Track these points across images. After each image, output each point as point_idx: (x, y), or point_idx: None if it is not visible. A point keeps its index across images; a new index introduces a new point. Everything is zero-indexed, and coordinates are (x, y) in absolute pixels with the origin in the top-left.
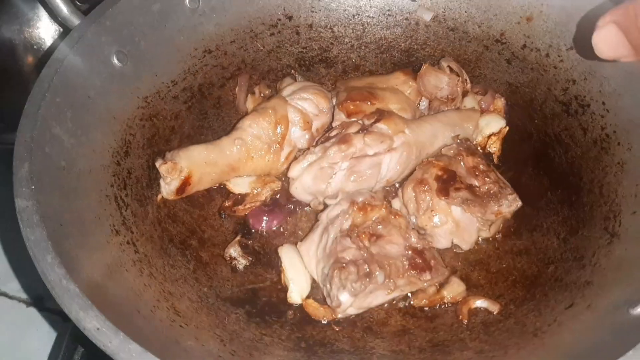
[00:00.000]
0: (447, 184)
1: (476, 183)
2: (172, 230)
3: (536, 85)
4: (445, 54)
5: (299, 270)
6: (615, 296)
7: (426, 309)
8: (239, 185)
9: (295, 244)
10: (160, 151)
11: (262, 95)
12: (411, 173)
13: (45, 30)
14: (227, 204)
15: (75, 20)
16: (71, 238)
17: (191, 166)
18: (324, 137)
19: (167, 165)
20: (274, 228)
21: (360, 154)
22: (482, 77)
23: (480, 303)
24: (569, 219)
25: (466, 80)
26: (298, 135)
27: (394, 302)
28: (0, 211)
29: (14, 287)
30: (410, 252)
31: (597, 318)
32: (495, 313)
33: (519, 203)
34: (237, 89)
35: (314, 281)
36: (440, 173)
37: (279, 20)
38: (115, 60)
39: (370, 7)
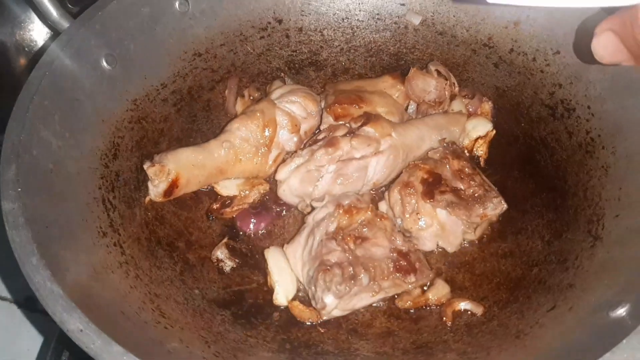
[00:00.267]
0: (433, 187)
1: (461, 186)
2: (159, 233)
3: (523, 89)
4: (433, 57)
5: (285, 273)
6: (596, 299)
7: (411, 310)
8: (226, 188)
9: (282, 246)
10: (149, 154)
11: (251, 98)
12: (398, 176)
13: (37, 33)
14: (214, 206)
15: (65, 23)
16: (57, 240)
17: (179, 169)
18: (311, 140)
19: (155, 167)
20: (262, 230)
21: (347, 157)
22: (470, 81)
23: (464, 305)
24: (553, 222)
25: (454, 83)
26: (286, 138)
27: (379, 304)
28: None
29: (3, 288)
30: (395, 254)
31: (577, 320)
32: (479, 315)
33: (504, 206)
34: (226, 91)
35: (300, 283)
36: (425, 176)
37: (269, 23)
38: (104, 63)
39: (360, 10)
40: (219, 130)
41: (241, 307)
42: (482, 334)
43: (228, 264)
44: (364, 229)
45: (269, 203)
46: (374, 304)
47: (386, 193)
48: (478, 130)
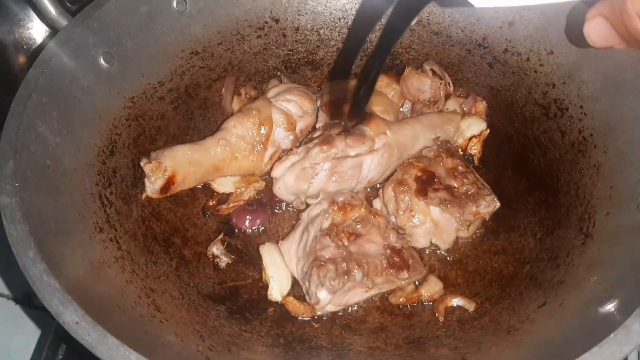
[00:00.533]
0: (426, 184)
1: (455, 184)
2: (155, 229)
3: (517, 89)
4: (429, 57)
5: (279, 268)
6: (586, 295)
7: (404, 306)
8: (223, 185)
9: (277, 242)
10: (146, 151)
11: (248, 96)
12: (392, 174)
13: (36, 31)
14: (211, 203)
15: (63, 21)
16: (54, 234)
17: (175, 165)
18: (307, 138)
19: (152, 164)
20: (257, 227)
21: (341, 155)
22: (465, 81)
23: (456, 301)
24: (545, 219)
25: (449, 83)
26: (282, 136)
27: (373, 299)
28: None
29: (1, 284)
30: (388, 251)
31: (567, 316)
32: (471, 311)
33: (497, 204)
34: (223, 90)
35: (294, 279)
36: (419, 174)
37: (266, 22)
38: (102, 61)
39: (356, 10)
40: (215, 128)
41: (236, 302)
42: (474, 330)
43: (223, 260)
44: (358, 226)
45: (264, 200)
46: (367, 300)
47: (380, 190)
48: (472, 129)
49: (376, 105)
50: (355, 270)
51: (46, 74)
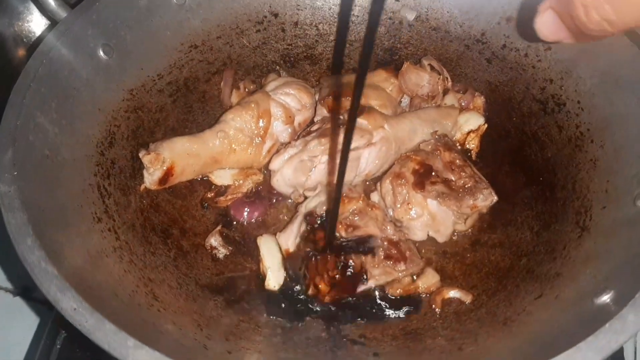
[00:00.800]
0: (424, 177)
1: (452, 177)
2: (154, 220)
3: (515, 84)
4: (427, 53)
5: (277, 259)
6: (582, 287)
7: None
8: (221, 177)
9: (275, 234)
10: (145, 143)
11: (246, 90)
12: (390, 167)
13: (36, 24)
14: (209, 195)
15: (62, 13)
16: (52, 223)
17: (174, 157)
18: (305, 131)
19: (150, 156)
20: (255, 219)
21: (339, 148)
22: (463, 76)
23: (453, 293)
24: (542, 213)
25: (447, 78)
26: (280, 130)
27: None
28: None
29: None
30: (386, 243)
31: (563, 307)
32: (467, 303)
33: (494, 198)
34: (222, 83)
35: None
36: (417, 167)
37: (265, 17)
38: (101, 53)
39: (355, 5)
40: (214, 122)
41: (234, 292)
42: (471, 321)
43: (221, 251)
44: (355, 218)
45: (262, 193)
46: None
47: (378, 184)
48: (470, 124)
49: (374, 100)
50: (353, 262)
51: (45, 64)
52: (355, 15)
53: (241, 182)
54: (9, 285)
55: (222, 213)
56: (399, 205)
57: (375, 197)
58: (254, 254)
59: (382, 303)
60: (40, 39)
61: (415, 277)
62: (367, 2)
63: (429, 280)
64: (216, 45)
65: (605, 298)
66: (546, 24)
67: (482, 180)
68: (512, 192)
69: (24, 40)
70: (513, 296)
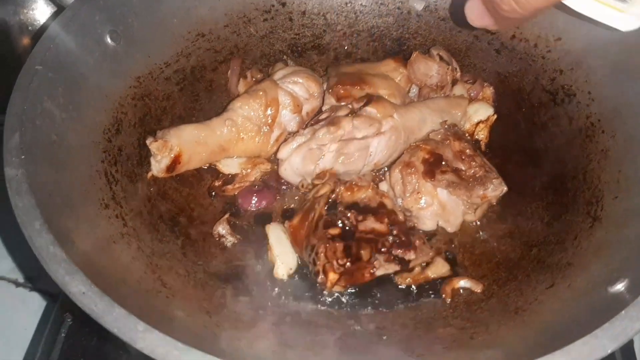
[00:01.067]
0: (434, 167)
1: (462, 167)
2: (161, 207)
3: (524, 75)
4: (436, 43)
5: (285, 247)
6: (595, 276)
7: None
8: (228, 166)
9: (284, 223)
10: (152, 130)
11: (254, 79)
12: (399, 157)
13: (40, 12)
14: (216, 184)
15: None
16: (60, 208)
17: (181, 145)
18: (313, 120)
19: (158, 143)
20: (263, 208)
21: (348, 137)
22: (472, 66)
23: (463, 283)
24: (553, 204)
25: (456, 68)
26: (288, 118)
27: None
28: None
29: (3, 267)
30: (395, 232)
31: (576, 296)
32: (478, 292)
33: (505, 188)
34: (229, 72)
35: (300, 258)
36: (427, 156)
37: (273, 6)
38: (108, 40)
39: None
40: (221, 110)
41: (242, 281)
42: (481, 311)
43: (229, 240)
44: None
45: (270, 181)
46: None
47: (387, 173)
48: (479, 114)
49: (383, 89)
50: (362, 251)
51: (52, 50)
52: (362, 5)
53: (249, 170)
54: (12, 275)
55: (230, 202)
56: (408, 195)
57: (384, 186)
58: (262, 242)
59: (392, 291)
60: (44, 27)
61: (425, 267)
62: None
63: (438, 269)
64: (223, 33)
65: (620, 287)
66: (472, 9)
67: (492, 170)
68: (521, 183)
69: (29, 28)
70: (524, 286)
